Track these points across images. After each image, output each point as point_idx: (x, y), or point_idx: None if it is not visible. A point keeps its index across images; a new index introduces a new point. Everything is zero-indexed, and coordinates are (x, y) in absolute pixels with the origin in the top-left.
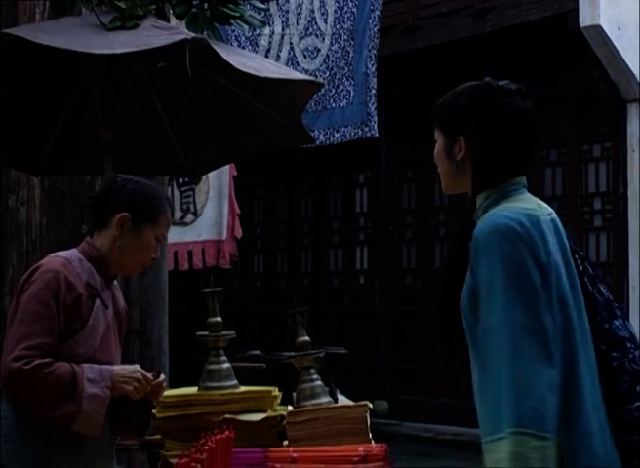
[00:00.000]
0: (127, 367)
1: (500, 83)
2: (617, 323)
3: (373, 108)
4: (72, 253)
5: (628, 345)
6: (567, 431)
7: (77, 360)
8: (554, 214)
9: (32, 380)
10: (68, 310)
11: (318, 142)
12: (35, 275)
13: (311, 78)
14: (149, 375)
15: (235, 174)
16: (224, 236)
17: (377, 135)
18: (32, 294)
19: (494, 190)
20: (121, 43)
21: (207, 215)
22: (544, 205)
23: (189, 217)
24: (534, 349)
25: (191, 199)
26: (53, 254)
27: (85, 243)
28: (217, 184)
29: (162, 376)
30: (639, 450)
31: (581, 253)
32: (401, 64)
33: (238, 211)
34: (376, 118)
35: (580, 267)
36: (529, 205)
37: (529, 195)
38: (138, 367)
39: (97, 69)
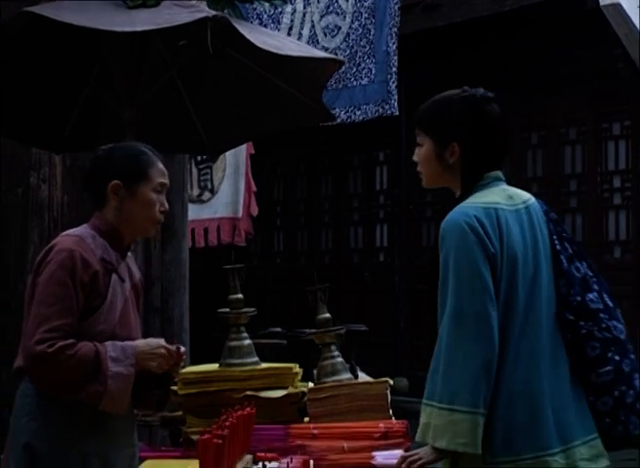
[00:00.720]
0: (150, 342)
1: (479, 92)
2: (590, 296)
3: (393, 86)
4: (84, 230)
5: (601, 316)
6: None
7: (98, 337)
8: (531, 202)
9: (56, 363)
10: (86, 288)
11: (339, 120)
12: (50, 255)
13: (332, 56)
14: (173, 348)
15: (252, 152)
16: (240, 213)
17: (397, 112)
18: (48, 276)
19: (465, 191)
20: (142, 21)
21: (223, 193)
22: (519, 195)
23: (206, 195)
24: (474, 332)
25: (209, 176)
26: (65, 233)
27: (95, 218)
28: (233, 162)
29: (182, 348)
30: (611, 411)
31: (564, 234)
32: (421, 43)
33: (254, 188)
34: (396, 96)
35: (558, 247)
36: (491, 199)
37: (501, 187)
38: (161, 341)
39: (118, 47)
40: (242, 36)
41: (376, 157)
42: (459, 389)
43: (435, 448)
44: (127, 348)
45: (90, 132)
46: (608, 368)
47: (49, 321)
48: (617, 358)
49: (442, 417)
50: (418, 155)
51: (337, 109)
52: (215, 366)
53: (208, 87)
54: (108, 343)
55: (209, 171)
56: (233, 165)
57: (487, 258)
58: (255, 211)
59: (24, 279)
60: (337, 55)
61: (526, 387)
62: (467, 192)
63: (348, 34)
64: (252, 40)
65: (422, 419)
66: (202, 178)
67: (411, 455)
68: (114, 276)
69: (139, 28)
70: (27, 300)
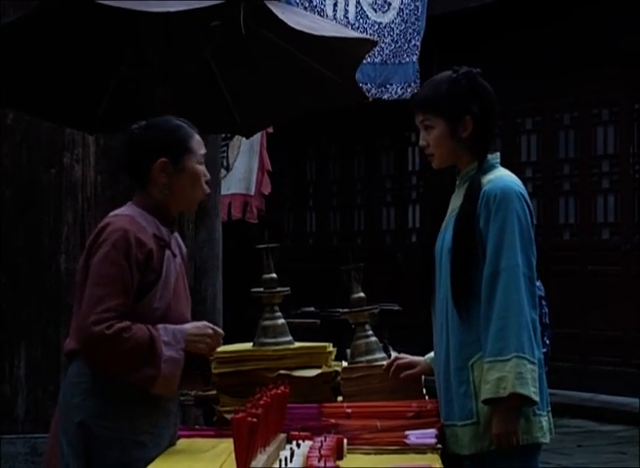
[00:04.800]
0: (197, 324)
1: (474, 69)
2: (538, 283)
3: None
4: (132, 209)
5: (543, 302)
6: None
7: (154, 314)
8: None
9: (113, 345)
10: (141, 267)
11: (396, 96)
12: (103, 236)
13: (365, 36)
14: (219, 329)
15: (271, 130)
16: (252, 191)
17: None
18: (102, 256)
19: (483, 161)
20: (175, 2)
21: (237, 170)
22: None
23: (222, 172)
24: (527, 293)
25: (225, 154)
26: (113, 213)
27: (139, 197)
28: (249, 140)
29: (221, 331)
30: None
31: None
32: (453, 25)
33: (268, 167)
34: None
35: None
36: (514, 175)
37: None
38: (206, 322)
39: (151, 28)
40: (275, 17)
41: (408, 138)
42: (527, 342)
43: (517, 396)
44: (177, 332)
45: (123, 112)
46: (544, 350)
47: (104, 301)
48: (548, 342)
49: (517, 366)
50: (428, 138)
51: (394, 85)
52: (248, 345)
53: (241, 67)
54: (160, 327)
55: (226, 148)
56: (248, 142)
57: (532, 226)
58: (267, 189)
59: (59, 259)
60: (391, 29)
61: (540, 352)
62: (483, 163)
63: (401, 9)
64: (285, 20)
65: (493, 376)
66: (219, 156)
67: (507, 438)
68: (167, 252)
69: (172, 9)
70: (79, 284)
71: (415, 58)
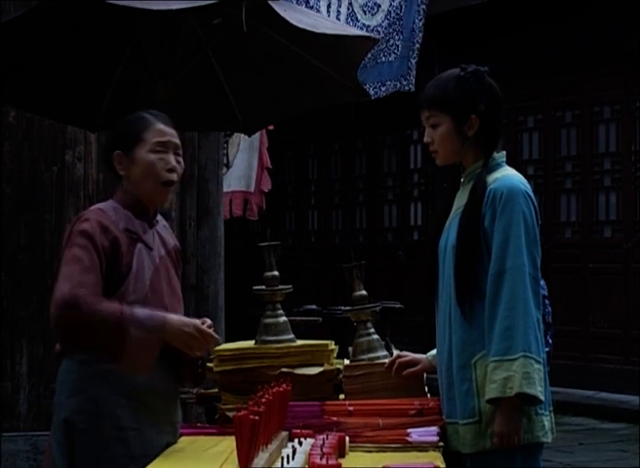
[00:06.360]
0: (183, 318)
1: (481, 68)
2: (541, 282)
3: (414, 62)
4: (107, 204)
5: (546, 302)
6: None
7: None
8: None
9: (79, 316)
10: (107, 252)
11: (368, 98)
12: (73, 228)
13: (367, 34)
14: (207, 330)
15: (271, 127)
16: (252, 188)
17: (413, 89)
18: (70, 244)
19: (489, 159)
20: (177, 0)
21: (237, 167)
22: None
23: (222, 170)
24: (532, 293)
25: (225, 151)
26: (89, 208)
27: (117, 191)
28: (248, 137)
29: (208, 321)
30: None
31: None
32: (455, 24)
33: (268, 164)
34: (414, 72)
35: None
36: (520, 175)
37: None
38: (197, 322)
39: (152, 26)
40: (277, 14)
41: (409, 136)
42: (534, 342)
43: (523, 396)
44: (156, 314)
45: (125, 110)
46: (547, 349)
47: (72, 278)
48: (550, 341)
49: (524, 366)
50: (433, 135)
51: (367, 85)
52: (250, 343)
53: (243, 65)
54: (136, 307)
55: (225, 146)
56: (248, 140)
57: (538, 226)
58: (267, 186)
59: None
60: (378, 32)
61: (544, 352)
62: (489, 161)
63: (389, 12)
64: (287, 18)
65: (500, 375)
66: (221, 154)
67: (509, 437)
68: (140, 245)
69: (174, 7)
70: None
71: (392, 57)
